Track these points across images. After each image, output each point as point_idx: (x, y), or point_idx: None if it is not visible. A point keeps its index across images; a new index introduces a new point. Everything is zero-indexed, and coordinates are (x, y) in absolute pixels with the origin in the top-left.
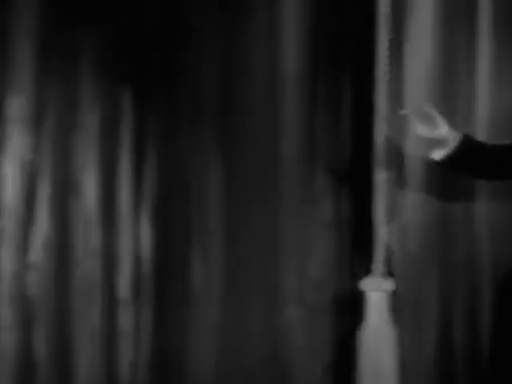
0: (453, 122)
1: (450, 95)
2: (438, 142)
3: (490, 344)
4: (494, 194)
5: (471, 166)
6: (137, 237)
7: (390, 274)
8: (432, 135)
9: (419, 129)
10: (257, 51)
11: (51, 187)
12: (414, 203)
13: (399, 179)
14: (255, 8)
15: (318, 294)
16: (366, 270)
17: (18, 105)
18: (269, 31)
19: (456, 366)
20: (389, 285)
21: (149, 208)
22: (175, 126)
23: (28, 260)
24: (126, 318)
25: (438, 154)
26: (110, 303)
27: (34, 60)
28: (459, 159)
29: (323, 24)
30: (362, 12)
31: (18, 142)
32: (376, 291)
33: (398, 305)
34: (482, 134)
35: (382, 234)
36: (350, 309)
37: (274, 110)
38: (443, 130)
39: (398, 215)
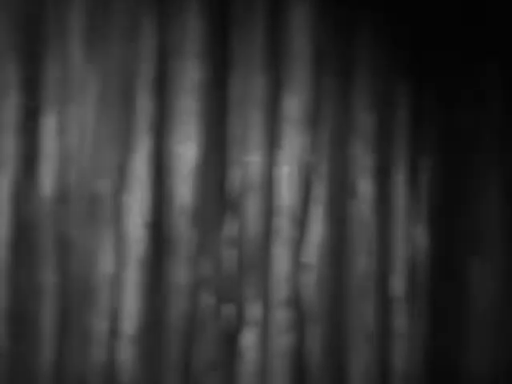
0: None
1: None
2: None
3: None
4: None
5: None
6: (412, 236)
7: None
8: None
9: None
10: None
11: (327, 187)
12: None
13: None
14: None
15: None
16: None
17: (294, 105)
18: None
19: None
20: None
21: (425, 208)
22: (451, 127)
23: (303, 260)
24: (400, 318)
25: None
26: (385, 303)
27: (310, 59)
28: None
29: None
30: None
31: (295, 142)
32: None
33: None
34: None
35: None
36: None
37: None
38: None
39: None
